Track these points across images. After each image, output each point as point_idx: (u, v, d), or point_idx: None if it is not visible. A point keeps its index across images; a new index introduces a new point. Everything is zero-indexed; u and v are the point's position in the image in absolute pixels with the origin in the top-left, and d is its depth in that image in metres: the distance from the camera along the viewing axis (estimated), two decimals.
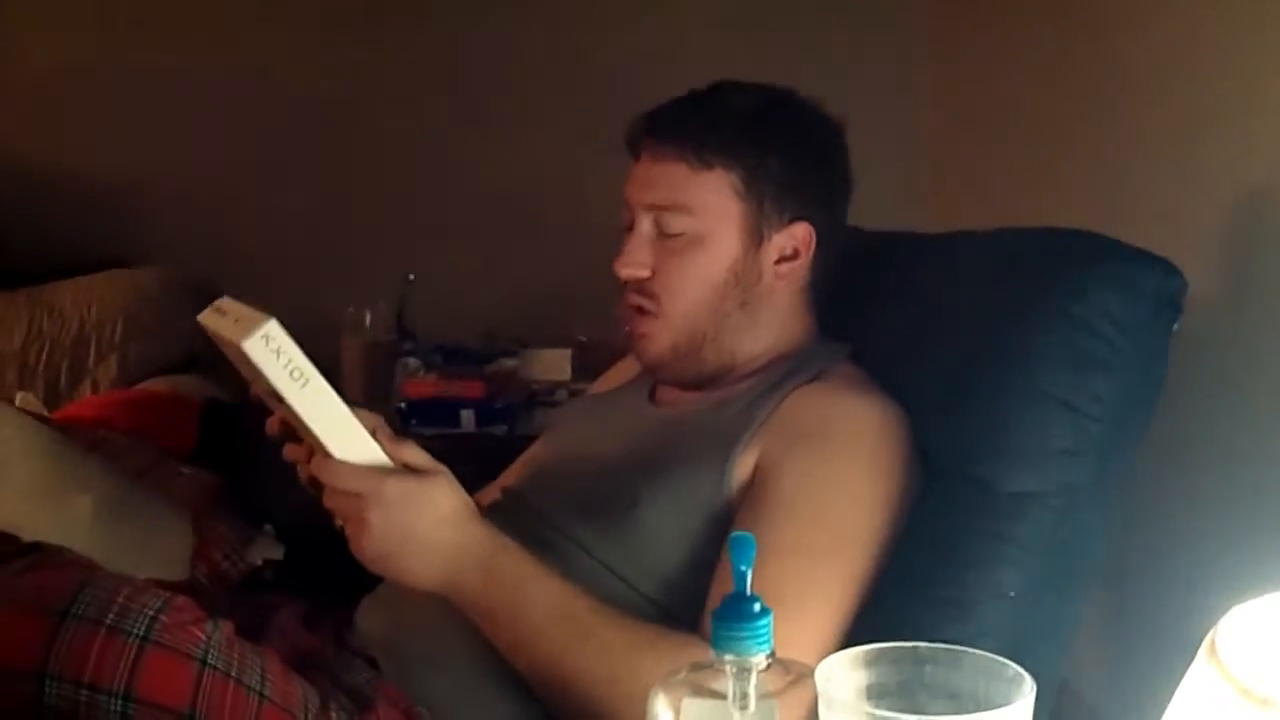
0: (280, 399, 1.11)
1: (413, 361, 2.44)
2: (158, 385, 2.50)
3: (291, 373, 1.10)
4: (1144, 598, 1.67)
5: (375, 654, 1.30)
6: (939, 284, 1.42)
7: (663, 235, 1.38)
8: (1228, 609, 0.66)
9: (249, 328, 1.09)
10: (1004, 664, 0.71)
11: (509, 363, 2.52)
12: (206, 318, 1.16)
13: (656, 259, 1.39)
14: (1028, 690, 0.69)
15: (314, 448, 1.16)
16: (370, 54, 2.95)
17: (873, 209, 1.52)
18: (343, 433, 1.14)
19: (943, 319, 1.35)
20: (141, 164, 2.95)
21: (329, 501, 1.15)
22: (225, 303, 1.16)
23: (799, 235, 1.40)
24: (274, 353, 1.09)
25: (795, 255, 1.41)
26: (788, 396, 1.33)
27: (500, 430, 2.28)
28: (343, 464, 1.13)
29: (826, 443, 1.26)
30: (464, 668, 1.25)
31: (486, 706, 1.24)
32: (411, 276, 2.55)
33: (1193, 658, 0.71)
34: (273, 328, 1.09)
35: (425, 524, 1.16)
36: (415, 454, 1.18)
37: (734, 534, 0.81)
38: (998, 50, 2.51)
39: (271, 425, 1.22)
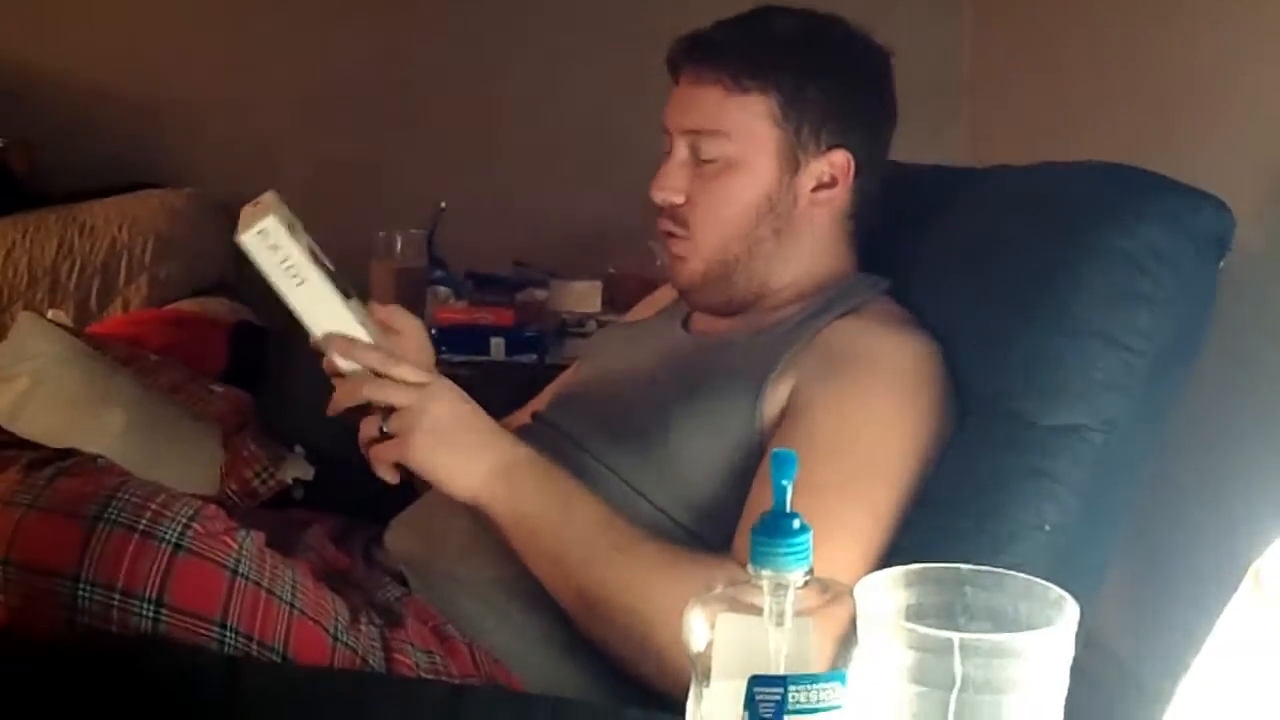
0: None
1: (443, 289, 2.44)
2: (188, 306, 2.51)
3: (287, 269, 1.09)
4: (1173, 537, 1.66)
5: (405, 572, 1.31)
6: (982, 218, 1.40)
7: (698, 160, 1.37)
8: (1262, 547, 0.65)
9: (250, 222, 1.09)
10: (1046, 586, 0.71)
11: (539, 293, 2.52)
12: (245, 210, 1.15)
13: (691, 185, 1.38)
14: (1070, 612, 0.68)
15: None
16: None
17: (910, 144, 1.50)
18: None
19: (986, 252, 1.34)
20: (176, 85, 2.95)
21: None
22: (266, 197, 1.16)
23: (837, 163, 1.38)
24: (270, 249, 1.09)
25: (833, 183, 1.39)
26: (824, 329, 1.32)
27: (529, 359, 2.29)
28: (387, 380, 1.17)
29: (860, 377, 1.25)
30: (493, 587, 1.26)
31: (515, 625, 1.24)
32: (443, 204, 2.54)
33: (1222, 595, 0.70)
34: (270, 223, 1.08)
35: (479, 417, 1.21)
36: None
37: (775, 450, 0.80)
38: None
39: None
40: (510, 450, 1.22)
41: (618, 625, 1.16)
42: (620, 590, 1.15)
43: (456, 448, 1.19)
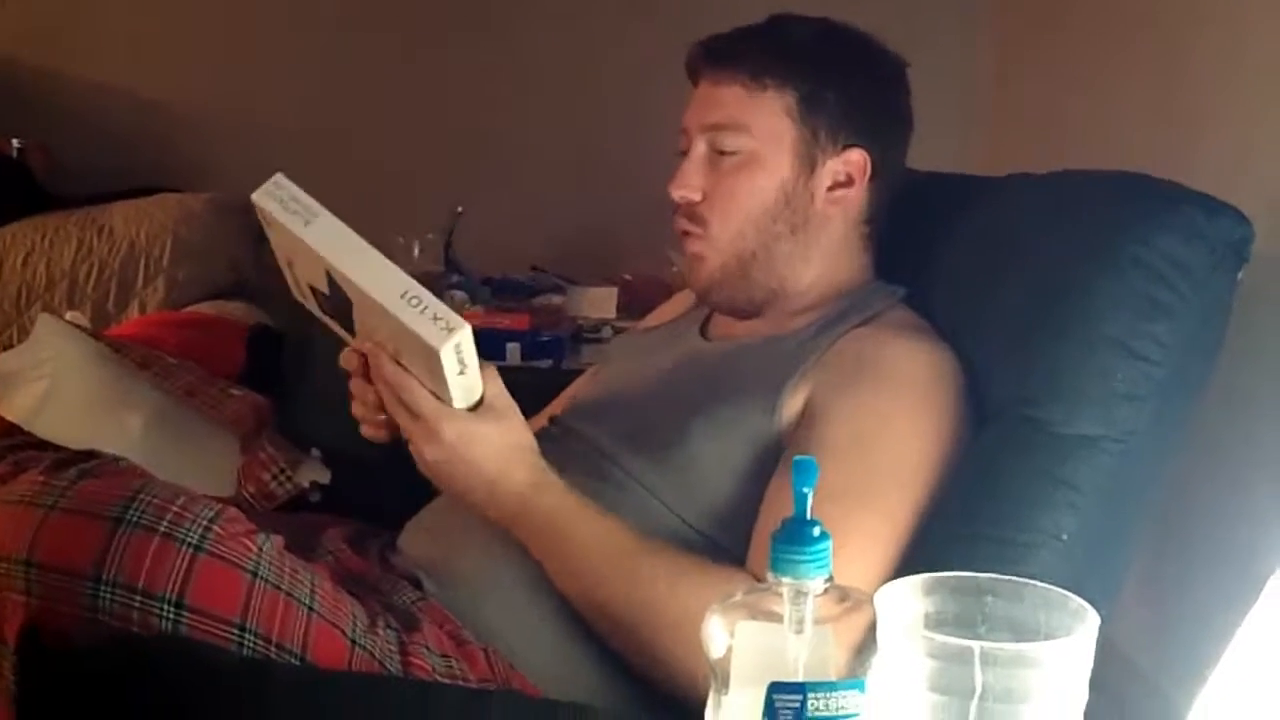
0: (317, 261, 1.12)
1: (459, 294, 2.45)
2: (205, 309, 2.51)
3: (302, 213, 1.12)
4: (1193, 545, 1.66)
5: (420, 576, 1.31)
6: (1000, 227, 1.40)
7: (716, 157, 1.38)
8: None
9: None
10: (1066, 596, 0.71)
11: (555, 298, 2.52)
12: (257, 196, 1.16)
13: (708, 183, 1.39)
14: (1090, 622, 0.68)
15: (363, 324, 1.16)
16: None
17: (929, 153, 1.50)
18: (369, 268, 1.13)
19: (1004, 261, 1.34)
20: (194, 89, 2.97)
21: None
22: (279, 179, 1.17)
23: (854, 161, 1.39)
24: (279, 201, 1.12)
25: (849, 182, 1.40)
26: (841, 338, 1.33)
27: (545, 364, 2.30)
28: (420, 388, 1.17)
29: (876, 386, 1.26)
30: (508, 590, 1.26)
31: (531, 629, 1.24)
32: (460, 209, 2.55)
33: (1242, 604, 0.70)
34: (279, 178, 1.13)
35: (500, 441, 1.22)
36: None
37: (796, 457, 0.80)
38: None
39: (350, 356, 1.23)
40: (532, 467, 1.24)
41: (630, 630, 1.17)
42: (631, 601, 1.16)
43: (503, 450, 1.22)
